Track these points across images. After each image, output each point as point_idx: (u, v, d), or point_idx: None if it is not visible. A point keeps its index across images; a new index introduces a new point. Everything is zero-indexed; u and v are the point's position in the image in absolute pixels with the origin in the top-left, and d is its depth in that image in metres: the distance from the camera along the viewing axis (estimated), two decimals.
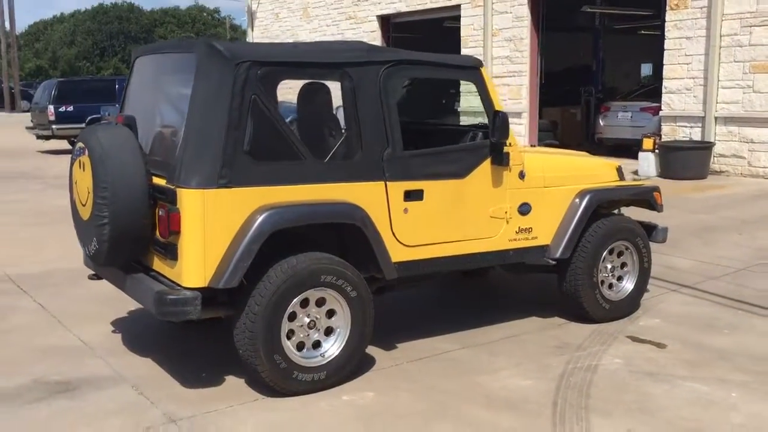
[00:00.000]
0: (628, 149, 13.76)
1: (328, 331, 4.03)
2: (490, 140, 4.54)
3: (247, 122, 3.79)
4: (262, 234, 3.72)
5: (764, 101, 11.66)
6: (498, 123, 4.48)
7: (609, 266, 5.15)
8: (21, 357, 4.52)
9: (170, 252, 3.78)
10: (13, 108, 37.09)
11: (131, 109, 4.55)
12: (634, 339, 4.81)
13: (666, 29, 12.98)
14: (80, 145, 4.06)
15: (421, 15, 18.43)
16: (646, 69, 23.53)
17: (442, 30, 18.61)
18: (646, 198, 5.40)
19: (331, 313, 4.02)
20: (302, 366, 3.89)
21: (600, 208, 5.19)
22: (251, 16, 24.94)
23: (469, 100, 16.90)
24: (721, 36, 12.05)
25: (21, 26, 73.61)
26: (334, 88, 4.26)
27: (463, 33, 17.00)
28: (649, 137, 12.50)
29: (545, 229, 4.88)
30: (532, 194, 4.79)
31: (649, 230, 5.42)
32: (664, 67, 13.07)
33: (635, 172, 12.43)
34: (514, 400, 3.88)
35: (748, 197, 10.33)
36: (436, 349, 4.61)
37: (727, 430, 3.58)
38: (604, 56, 19.37)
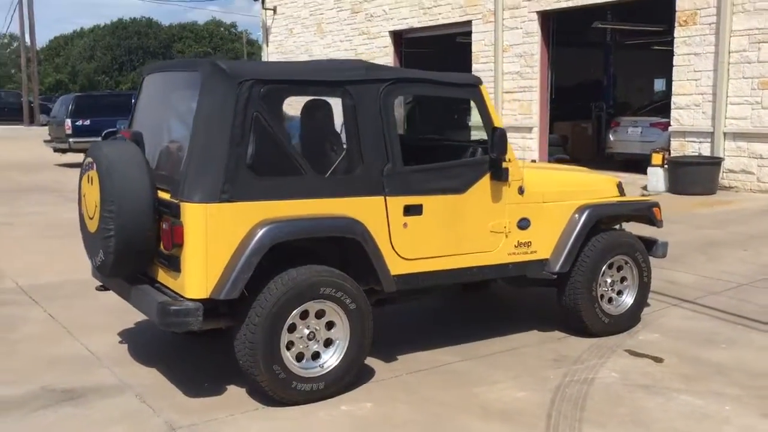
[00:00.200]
0: (638, 164, 13.80)
1: (328, 343, 4.12)
2: (490, 156, 4.63)
3: (249, 139, 3.91)
4: (262, 247, 3.82)
5: None
6: (497, 139, 4.56)
7: (609, 280, 5.20)
8: (30, 366, 4.64)
9: (173, 264, 3.89)
10: (32, 122, 37.61)
11: (139, 125, 4.69)
12: (632, 353, 4.86)
13: (675, 45, 13.05)
14: (89, 159, 4.19)
15: (433, 31, 18.60)
16: (659, 84, 23.59)
17: (454, 45, 18.76)
18: (646, 213, 5.46)
19: (330, 325, 4.11)
20: (301, 376, 3.98)
21: (600, 224, 5.26)
22: (266, 31, 25.24)
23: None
24: (729, 52, 12.10)
25: (42, 41, 74.77)
26: (336, 105, 4.37)
27: (474, 49, 17.13)
28: (658, 152, 12.54)
29: (545, 243, 4.95)
30: (532, 209, 4.86)
31: (649, 245, 5.47)
32: (673, 82, 13.12)
33: (644, 188, 12.46)
34: (509, 412, 3.94)
35: (756, 213, 10.33)
36: (436, 361, 4.68)
37: None
38: (617, 71, 19.46)
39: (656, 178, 12.37)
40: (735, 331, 5.28)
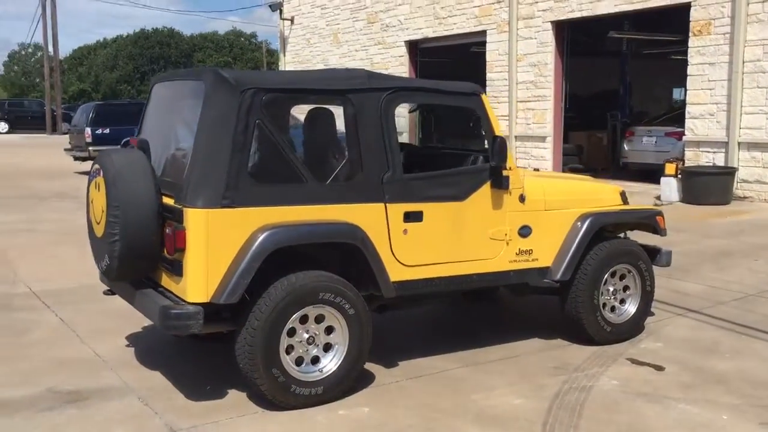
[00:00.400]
0: (653, 174, 13.74)
1: (327, 347, 4.17)
2: (490, 164, 4.67)
3: (251, 146, 3.99)
4: (262, 252, 3.89)
5: None
6: (497, 147, 4.61)
7: (611, 289, 5.21)
8: (39, 368, 4.74)
9: (176, 268, 3.97)
10: (54, 130, 38.14)
11: (147, 133, 4.80)
12: (634, 361, 4.86)
13: (689, 55, 13.02)
14: (96, 166, 4.30)
15: (448, 41, 18.68)
16: (678, 94, 23.46)
17: (469, 55, 18.83)
18: (649, 222, 5.47)
19: (329, 330, 4.16)
20: (300, 380, 4.04)
21: (604, 232, 5.28)
22: (283, 41, 25.47)
23: None
24: (743, 62, 12.05)
25: (66, 51, 75.84)
26: (338, 113, 4.44)
27: (488, 58, 17.19)
28: (671, 162, 12.49)
29: (546, 251, 4.97)
30: (533, 217, 4.89)
31: (653, 254, 5.47)
32: (687, 92, 13.09)
33: (658, 198, 12.41)
34: (504, 418, 3.97)
35: None
36: (436, 367, 4.72)
37: None
38: (635, 81, 19.39)
39: (669, 188, 12.32)
40: (739, 341, 5.26)
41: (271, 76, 4.45)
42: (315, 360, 4.14)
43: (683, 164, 12.69)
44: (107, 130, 18.69)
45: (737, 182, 12.18)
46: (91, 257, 4.57)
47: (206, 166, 3.92)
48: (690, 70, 13.01)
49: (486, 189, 4.68)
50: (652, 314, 5.72)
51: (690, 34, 12.99)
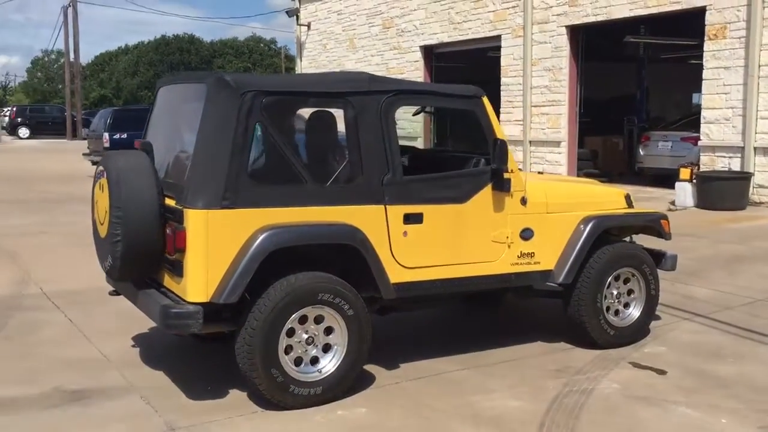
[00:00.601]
0: (669, 179, 13.63)
1: (326, 348, 4.20)
2: (491, 167, 4.68)
3: (251, 148, 4.04)
4: (262, 252, 3.93)
5: None
6: (498, 150, 4.62)
7: (615, 293, 5.19)
8: (45, 367, 4.81)
9: (177, 269, 4.02)
10: (74, 135, 38.60)
11: (152, 135, 4.87)
12: (636, 365, 4.84)
13: (704, 59, 12.93)
14: (100, 168, 4.37)
15: (463, 45, 18.70)
16: (697, 98, 23.23)
17: (484, 59, 18.81)
18: (653, 226, 5.44)
19: (329, 331, 4.19)
20: (299, 380, 4.07)
21: (609, 236, 5.27)
22: (300, 46, 25.62)
23: (508, 128, 17.01)
24: (759, 66, 11.95)
25: (88, 57, 76.73)
26: (338, 115, 4.48)
27: (503, 63, 17.17)
28: (686, 167, 12.40)
29: (548, 254, 4.97)
30: (535, 220, 4.89)
31: (658, 258, 5.45)
32: (703, 96, 13.00)
33: (672, 203, 12.33)
34: (501, 420, 3.97)
35: None
36: (437, 369, 4.73)
37: None
38: (653, 85, 19.27)
39: (684, 193, 12.23)
40: (744, 346, 5.22)
41: (271, 79, 4.50)
42: (314, 360, 4.17)
43: (698, 169, 12.60)
44: (125, 135, 18.89)
45: (753, 187, 12.07)
46: None
47: (206, 168, 3.97)
48: (705, 74, 12.93)
49: (487, 191, 4.69)
50: (659, 318, 5.70)
51: (705, 38, 12.91)
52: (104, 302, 6.19)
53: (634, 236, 5.67)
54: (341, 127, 4.41)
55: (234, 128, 3.99)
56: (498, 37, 17.25)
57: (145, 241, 4.10)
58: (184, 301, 3.98)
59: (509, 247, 4.81)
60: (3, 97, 77.03)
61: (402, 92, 4.49)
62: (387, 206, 4.35)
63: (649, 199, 12.76)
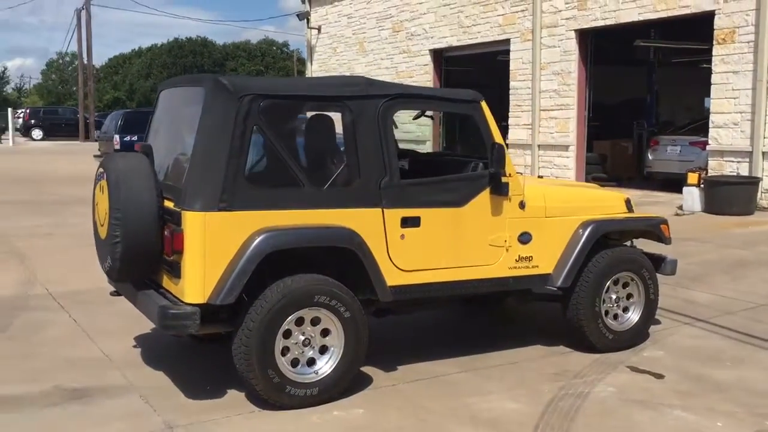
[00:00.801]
0: (678, 183, 13.58)
1: (323, 349, 4.23)
2: (489, 171, 4.70)
3: (249, 151, 4.08)
4: (259, 254, 3.97)
5: None
6: (496, 154, 4.64)
7: (614, 297, 5.20)
8: (48, 366, 4.87)
9: (175, 270, 4.07)
10: (87, 137, 38.88)
11: (153, 138, 4.93)
12: (634, 369, 4.85)
13: (713, 63, 12.89)
14: (101, 170, 4.42)
15: (472, 49, 18.72)
16: (708, 103, 23.09)
17: (493, 63, 18.83)
18: (653, 230, 5.44)
19: (325, 332, 4.23)
20: (295, 381, 4.11)
21: (609, 240, 5.27)
22: (310, 50, 25.71)
23: (516, 132, 17.01)
24: None
25: (102, 60, 77.35)
26: (336, 119, 4.51)
27: (512, 66, 17.18)
28: (694, 172, 12.36)
29: (547, 258, 4.98)
30: (533, 224, 4.91)
31: (657, 262, 5.45)
32: (711, 101, 12.97)
33: (680, 207, 12.28)
34: (496, 422, 4.00)
35: None
36: (435, 372, 4.75)
37: None
38: (663, 90, 19.20)
39: (692, 197, 12.19)
40: (743, 351, 5.22)
41: (269, 82, 4.55)
42: (311, 362, 4.20)
43: (706, 174, 12.55)
44: (135, 137, 19.07)
45: (761, 192, 12.02)
46: None
47: (204, 170, 4.02)
48: (714, 78, 12.89)
49: (485, 195, 4.71)
50: (659, 322, 5.70)
51: (714, 42, 12.87)
52: (108, 303, 6.24)
53: (635, 241, 5.68)
54: (339, 130, 4.45)
55: (231, 131, 4.03)
56: (507, 41, 17.27)
57: (144, 243, 4.15)
58: (182, 302, 4.03)
59: (507, 250, 4.82)
60: (18, 99, 77.66)
61: (399, 96, 4.52)
62: (384, 209, 4.38)
63: (656, 204, 12.73)
